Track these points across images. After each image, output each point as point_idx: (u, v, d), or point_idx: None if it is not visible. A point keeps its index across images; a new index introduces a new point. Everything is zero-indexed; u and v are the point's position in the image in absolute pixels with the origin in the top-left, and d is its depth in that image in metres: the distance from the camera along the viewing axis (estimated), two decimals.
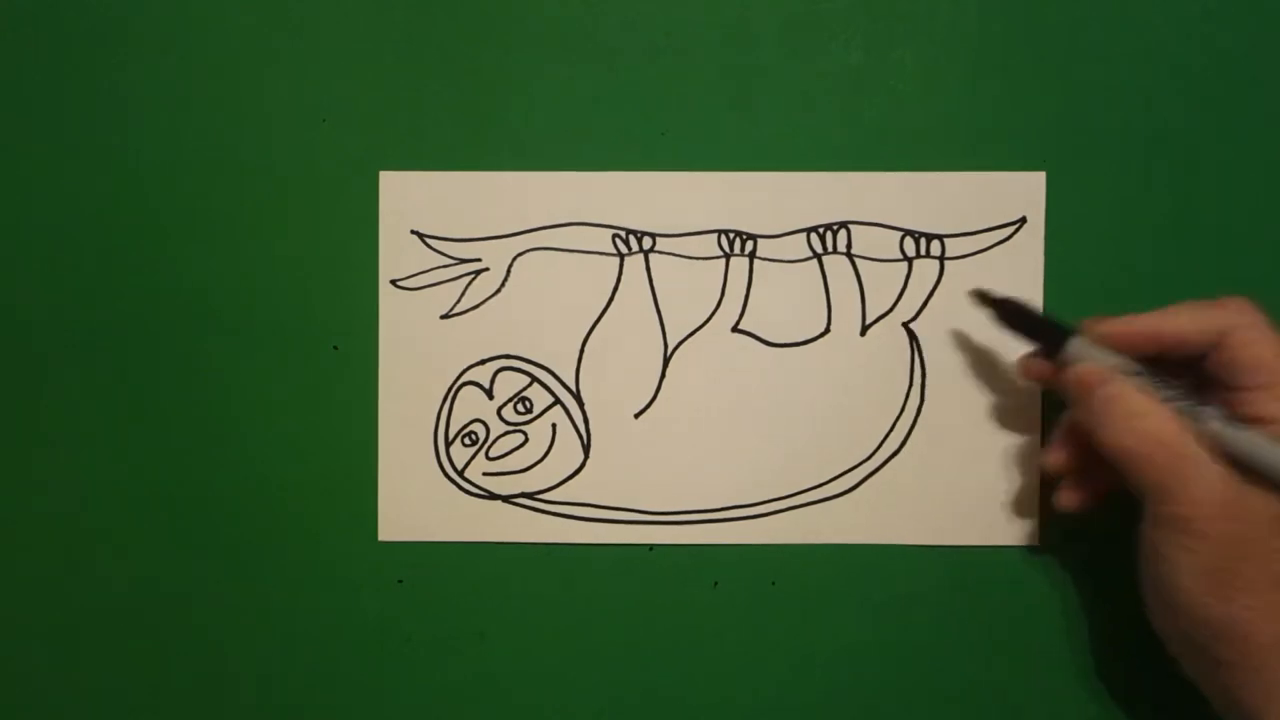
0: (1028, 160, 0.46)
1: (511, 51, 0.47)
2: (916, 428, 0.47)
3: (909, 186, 0.46)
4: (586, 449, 0.47)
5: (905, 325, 0.47)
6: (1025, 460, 0.47)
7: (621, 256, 0.47)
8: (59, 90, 0.47)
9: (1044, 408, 0.47)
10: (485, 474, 0.48)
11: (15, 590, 0.48)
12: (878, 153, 0.46)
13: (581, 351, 0.47)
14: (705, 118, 0.47)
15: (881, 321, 0.47)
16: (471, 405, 0.48)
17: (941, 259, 0.47)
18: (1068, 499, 0.43)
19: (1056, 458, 0.43)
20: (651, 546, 0.48)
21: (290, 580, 0.48)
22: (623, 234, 0.47)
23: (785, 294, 0.47)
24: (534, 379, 0.47)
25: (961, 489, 0.47)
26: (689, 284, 0.47)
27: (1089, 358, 0.40)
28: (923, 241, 0.47)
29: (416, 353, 0.47)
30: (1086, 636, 0.47)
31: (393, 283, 0.47)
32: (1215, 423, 0.37)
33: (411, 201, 0.47)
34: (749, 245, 0.47)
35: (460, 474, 0.48)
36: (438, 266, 0.47)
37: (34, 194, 0.48)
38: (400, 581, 0.48)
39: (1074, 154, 0.46)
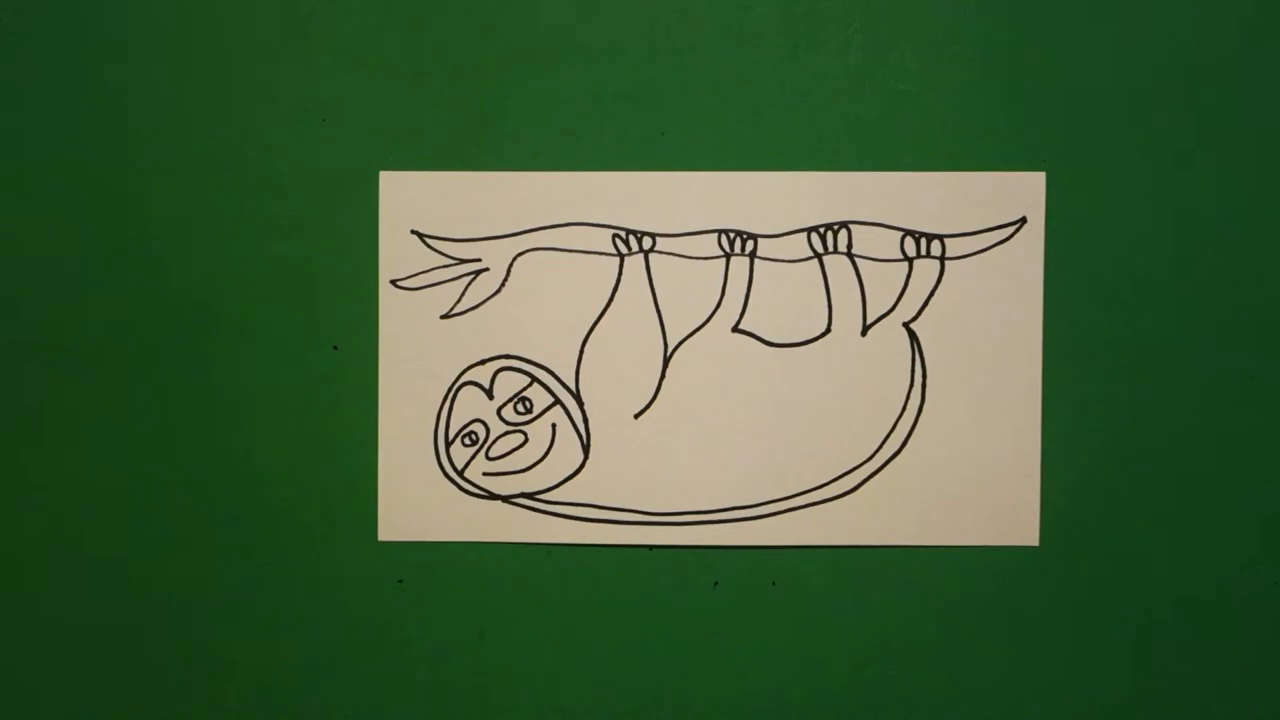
0: (1028, 160, 0.46)
1: (511, 51, 0.47)
2: (917, 428, 0.47)
3: (909, 186, 0.46)
4: (586, 449, 0.47)
5: (906, 325, 0.47)
6: (1025, 460, 0.47)
7: (621, 256, 0.47)
8: (58, 90, 0.47)
9: (1044, 408, 0.47)
10: (485, 474, 0.48)
11: (15, 589, 0.48)
12: (878, 153, 0.46)
13: (581, 351, 0.47)
14: (705, 118, 0.47)
15: (882, 321, 0.47)
16: (471, 405, 0.48)
17: (942, 259, 0.47)
18: None
19: None
20: (651, 547, 0.48)
21: (290, 580, 0.48)
22: (623, 234, 0.47)
23: (786, 294, 0.47)
24: (534, 379, 0.47)
25: (961, 489, 0.47)
26: (689, 284, 0.47)
27: None
28: (923, 241, 0.47)
29: (416, 353, 0.47)
30: (1086, 636, 0.47)
31: (393, 283, 0.47)
32: None
33: (411, 201, 0.47)
34: (749, 245, 0.47)
35: (460, 474, 0.48)
36: (438, 266, 0.47)
37: (33, 194, 0.47)
38: (400, 581, 0.48)
39: (1074, 154, 0.46)
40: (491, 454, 0.48)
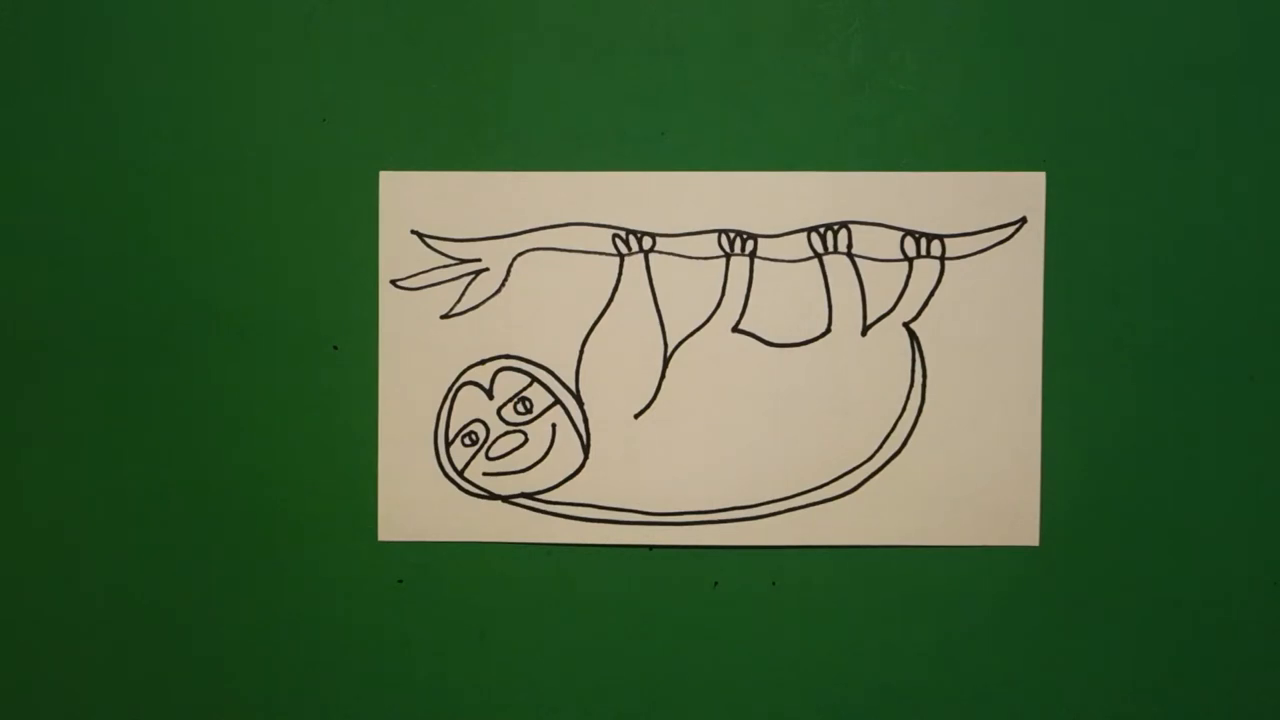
0: (1028, 160, 0.46)
1: (511, 51, 0.47)
2: (917, 428, 0.47)
3: (909, 186, 0.46)
4: (586, 449, 0.47)
5: (906, 325, 0.47)
6: (1025, 460, 0.47)
7: (621, 256, 0.47)
8: (58, 90, 0.47)
9: (1044, 408, 0.47)
10: (485, 474, 0.48)
11: (14, 590, 0.48)
12: (878, 153, 0.46)
13: (581, 351, 0.47)
14: (705, 118, 0.47)
15: (882, 321, 0.47)
16: (471, 405, 0.48)
17: (942, 259, 0.47)
18: None
19: None
20: (651, 547, 0.48)
21: (290, 581, 0.48)
22: (623, 234, 0.47)
23: (785, 294, 0.47)
24: (534, 379, 0.47)
25: (961, 489, 0.47)
26: (689, 284, 0.47)
27: None
28: (923, 241, 0.47)
29: (416, 353, 0.47)
30: (1086, 636, 0.47)
31: (393, 283, 0.47)
32: None
33: (411, 201, 0.47)
34: (749, 245, 0.47)
35: (460, 474, 0.48)
36: (438, 266, 0.47)
37: (34, 194, 0.47)
38: (400, 581, 0.48)
39: (1074, 154, 0.46)
40: (491, 454, 0.48)
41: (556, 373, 0.47)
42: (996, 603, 0.47)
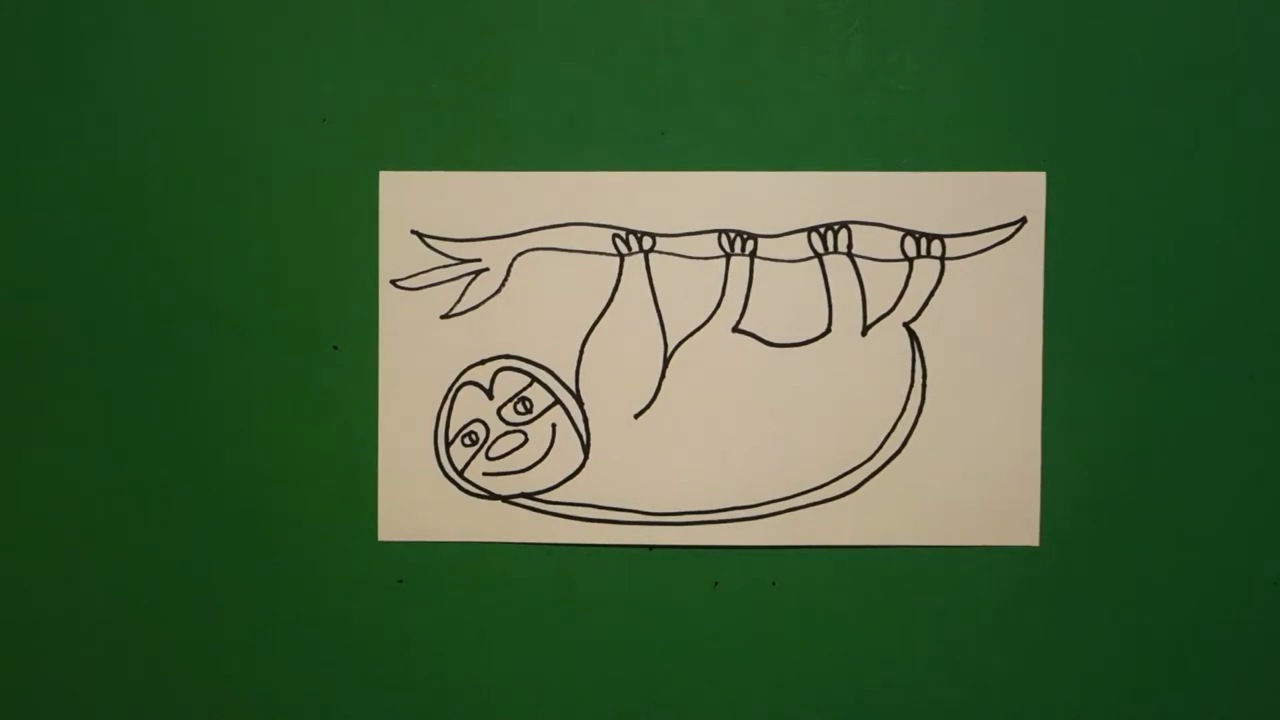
0: (1028, 160, 0.46)
1: (511, 51, 0.47)
2: (918, 428, 0.47)
3: (909, 186, 0.46)
4: (586, 449, 0.47)
5: (906, 325, 0.47)
6: (1025, 460, 0.47)
7: (621, 256, 0.47)
8: (59, 91, 0.47)
9: (1044, 408, 0.47)
10: (485, 474, 0.48)
11: (14, 590, 0.48)
12: (878, 153, 0.46)
13: (581, 351, 0.47)
14: (705, 118, 0.47)
15: (882, 321, 0.47)
16: (471, 405, 0.48)
17: (942, 259, 0.47)
18: None
19: None
20: (651, 547, 0.48)
21: (290, 581, 0.48)
22: (623, 234, 0.47)
23: (786, 294, 0.47)
24: (534, 379, 0.47)
25: (961, 489, 0.47)
26: (689, 284, 0.47)
27: None
28: (923, 241, 0.47)
29: (416, 353, 0.47)
30: (1086, 636, 0.47)
31: (393, 283, 0.47)
32: None
33: (411, 201, 0.47)
34: (749, 245, 0.47)
35: (460, 474, 0.48)
36: (438, 266, 0.47)
37: (34, 195, 0.47)
38: (400, 581, 0.48)
39: (1074, 154, 0.46)
40: (491, 454, 0.48)
41: (556, 373, 0.47)
42: (996, 603, 0.47)
